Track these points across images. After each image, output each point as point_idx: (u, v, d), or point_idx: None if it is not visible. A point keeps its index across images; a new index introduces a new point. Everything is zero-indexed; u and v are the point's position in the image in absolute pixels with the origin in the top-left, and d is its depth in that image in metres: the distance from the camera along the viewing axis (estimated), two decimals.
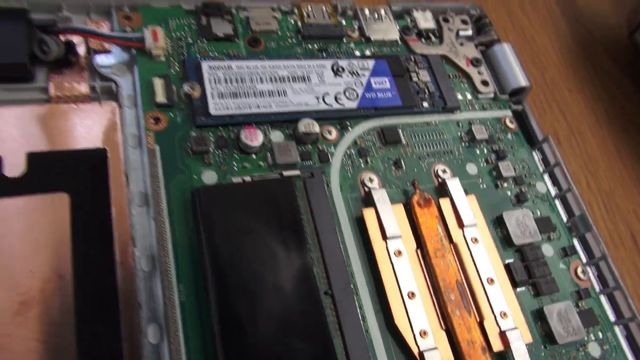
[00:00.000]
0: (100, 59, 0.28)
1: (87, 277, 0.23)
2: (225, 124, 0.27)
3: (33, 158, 0.25)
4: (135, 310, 0.23)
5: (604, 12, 0.45)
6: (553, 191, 0.33)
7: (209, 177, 0.26)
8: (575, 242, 0.31)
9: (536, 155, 0.34)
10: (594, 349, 0.28)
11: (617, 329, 0.29)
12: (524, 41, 0.43)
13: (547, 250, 0.30)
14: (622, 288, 0.29)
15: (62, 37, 0.27)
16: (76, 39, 0.28)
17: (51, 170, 0.25)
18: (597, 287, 0.30)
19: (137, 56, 0.28)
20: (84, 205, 0.24)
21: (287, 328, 0.23)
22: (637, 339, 0.29)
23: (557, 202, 0.32)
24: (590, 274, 0.30)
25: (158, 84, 0.27)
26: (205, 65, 0.28)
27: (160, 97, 0.27)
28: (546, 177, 0.33)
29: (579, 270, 0.30)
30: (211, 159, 0.26)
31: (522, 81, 0.34)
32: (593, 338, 0.28)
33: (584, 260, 0.31)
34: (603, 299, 0.30)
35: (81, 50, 0.28)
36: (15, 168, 0.24)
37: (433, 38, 0.35)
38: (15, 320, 0.21)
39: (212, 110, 0.27)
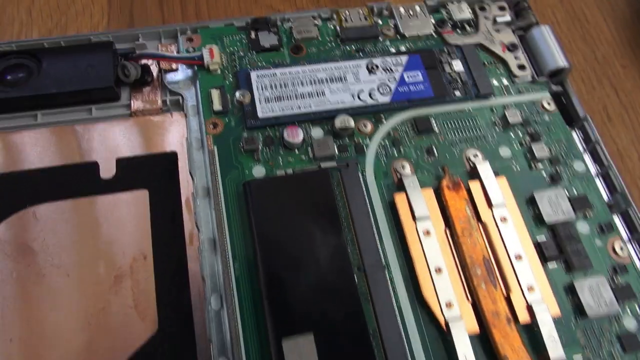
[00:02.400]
0: (170, 77, 0.33)
1: (163, 256, 0.29)
2: (271, 125, 0.32)
3: (121, 162, 0.31)
4: (201, 282, 0.28)
5: None
6: (594, 170, 0.33)
7: (259, 171, 0.30)
8: (617, 219, 0.32)
9: (577, 135, 0.34)
10: (630, 323, 0.29)
11: None
12: (574, 19, 0.42)
13: (582, 227, 0.31)
14: None
15: (141, 62, 0.33)
16: (150, 62, 0.34)
17: (134, 171, 0.31)
18: (639, 264, 0.30)
19: (198, 72, 0.33)
20: (160, 199, 0.30)
21: (322, 297, 0.26)
22: None
23: (599, 180, 0.33)
24: (631, 250, 0.31)
25: (215, 94, 0.32)
26: (253, 75, 0.33)
27: (217, 106, 0.32)
28: (587, 156, 0.34)
29: (617, 246, 0.30)
30: (260, 156, 0.31)
31: (560, 62, 0.35)
32: (630, 312, 0.29)
33: (625, 237, 0.31)
34: None
35: (155, 70, 0.34)
36: (108, 171, 0.30)
37: (468, 28, 0.37)
38: (112, 290, 0.27)
39: (260, 114, 0.31)
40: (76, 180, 0.30)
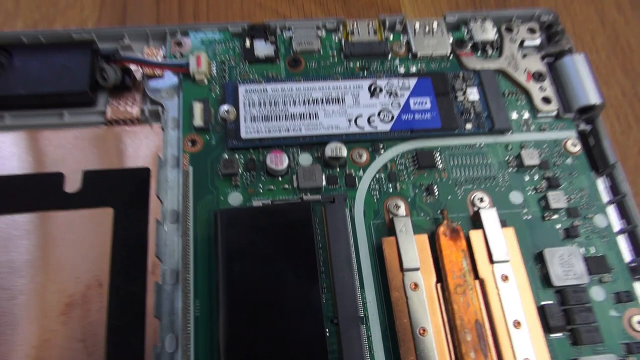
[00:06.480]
0: (152, 84, 0.31)
1: (120, 287, 0.26)
2: (255, 147, 0.29)
3: (88, 175, 0.28)
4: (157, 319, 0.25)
5: None
6: (618, 226, 0.29)
7: (235, 198, 0.28)
8: (639, 287, 0.28)
9: (603, 184, 0.30)
10: None
11: None
12: (616, 47, 0.37)
13: (597, 294, 0.27)
14: None
15: (126, 64, 0.30)
16: (134, 66, 0.31)
17: (101, 187, 0.28)
18: None
19: (183, 81, 0.30)
20: (125, 220, 0.27)
21: (287, 352, 0.24)
22: None
23: (623, 239, 0.29)
24: None
25: (197, 107, 0.29)
26: (242, 89, 0.29)
27: (198, 121, 0.29)
28: (611, 209, 0.30)
29: (635, 320, 0.26)
30: (238, 181, 0.28)
31: (592, 98, 0.31)
32: None
33: None
34: None
35: (139, 75, 0.31)
36: (73, 184, 0.28)
37: (490, 51, 0.33)
38: (61, 319, 0.25)
39: (243, 134, 0.28)
40: (38, 191, 0.28)
